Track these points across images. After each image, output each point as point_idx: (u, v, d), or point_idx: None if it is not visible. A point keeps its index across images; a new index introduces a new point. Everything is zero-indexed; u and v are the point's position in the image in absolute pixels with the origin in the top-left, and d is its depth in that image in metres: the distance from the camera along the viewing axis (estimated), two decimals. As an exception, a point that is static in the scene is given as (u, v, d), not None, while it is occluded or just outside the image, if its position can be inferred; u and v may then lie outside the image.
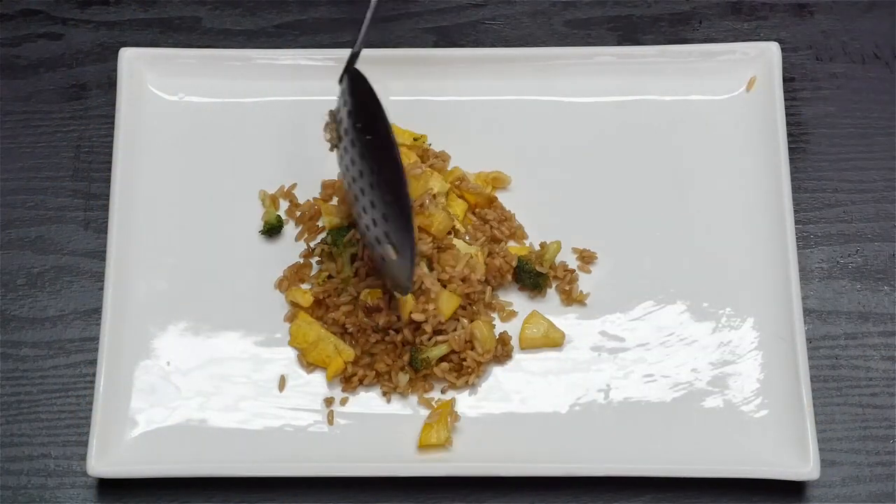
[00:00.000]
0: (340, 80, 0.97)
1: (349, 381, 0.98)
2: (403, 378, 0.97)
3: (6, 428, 0.98)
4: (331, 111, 0.98)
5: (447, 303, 0.97)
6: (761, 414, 0.97)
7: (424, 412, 0.97)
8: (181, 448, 0.96)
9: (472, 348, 0.97)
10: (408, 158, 1.02)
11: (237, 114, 1.05)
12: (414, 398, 0.97)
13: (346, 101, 0.96)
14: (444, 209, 0.99)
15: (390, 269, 0.95)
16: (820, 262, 1.03)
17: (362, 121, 0.94)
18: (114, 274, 0.99)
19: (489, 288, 0.99)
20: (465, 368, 0.97)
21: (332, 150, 0.99)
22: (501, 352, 0.98)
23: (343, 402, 0.97)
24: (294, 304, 0.99)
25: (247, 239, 1.02)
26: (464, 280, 0.98)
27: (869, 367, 1.00)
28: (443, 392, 0.98)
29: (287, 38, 1.09)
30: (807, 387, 0.96)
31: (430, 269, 0.98)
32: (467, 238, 1.01)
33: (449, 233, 1.00)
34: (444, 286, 0.98)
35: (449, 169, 1.03)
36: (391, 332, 0.97)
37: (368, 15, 0.97)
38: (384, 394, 0.97)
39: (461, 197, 1.02)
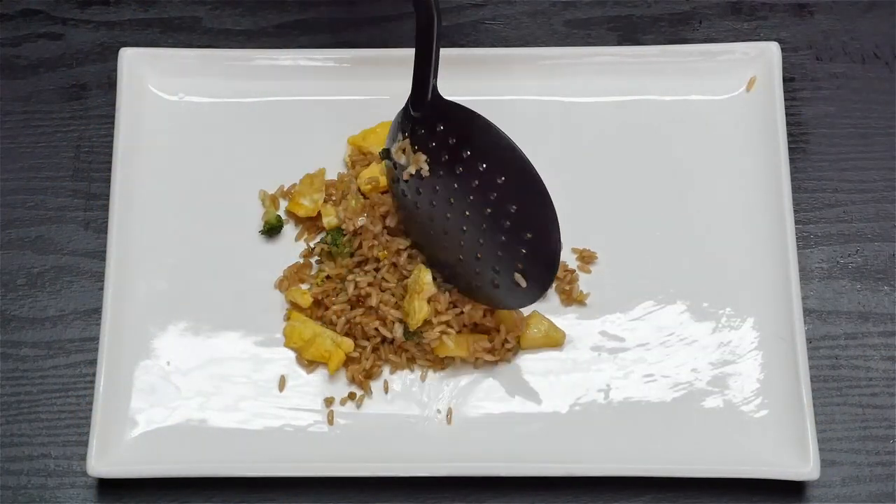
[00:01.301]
0: (407, 112, 0.96)
1: (354, 373, 0.97)
2: (398, 329, 0.97)
3: (6, 428, 0.98)
4: (385, 150, 0.98)
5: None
6: (761, 414, 0.97)
7: (424, 412, 0.97)
8: (181, 448, 0.96)
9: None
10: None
11: (237, 114, 1.05)
12: (415, 397, 0.97)
13: (421, 131, 0.96)
14: None
15: (503, 297, 0.96)
16: (820, 262, 1.03)
17: (460, 143, 0.94)
18: (114, 274, 0.99)
19: None
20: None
21: (392, 193, 0.99)
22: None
23: (343, 401, 0.98)
24: (294, 304, 0.99)
25: (247, 239, 1.02)
26: None
27: (869, 367, 1.00)
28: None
29: (287, 38, 1.09)
30: (807, 387, 0.96)
31: None
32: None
33: None
34: None
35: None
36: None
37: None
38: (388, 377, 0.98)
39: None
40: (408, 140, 0.96)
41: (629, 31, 1.10)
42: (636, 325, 1.00)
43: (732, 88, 1.05)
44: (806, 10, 1.10)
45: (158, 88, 1.05)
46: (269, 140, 1.05)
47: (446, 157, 0.94)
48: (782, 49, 1.05)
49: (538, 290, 0.94)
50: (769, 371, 0.98)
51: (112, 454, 0.95)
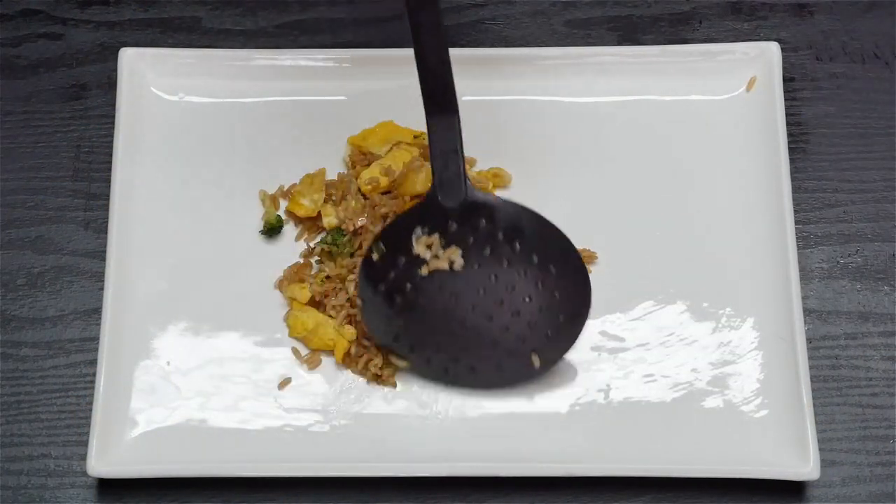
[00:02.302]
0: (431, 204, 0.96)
1: (356, 361, 0.97)
2: None
3: (6, 428, 0.98)
4: (382, 251, 0.97)
5: None
6: (761, 414, 0.97)
7: (424, 412, 0.97)
8: (181, 448, 0.96)
9: None
10: (409, 154, 1.02)
11: (237, 114, 1.05)
12: (415, 397, 0.97)
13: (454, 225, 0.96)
14: None
15: (503, 376, 0.97)
16: (820, 262, 1.03)
17: (512, 237, 0.96)
18: (114, 274, 0.99)
19: None
20: None
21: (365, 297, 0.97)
22: None
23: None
24: (292, 301, 0.99)
25: (247, 239, 1.02)
26: None
27: (869, 367, 1.00)
28: None
29: (287, 38, 1.09)
30: (807, 387, 0.96)
31: None
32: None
33: None
34: None
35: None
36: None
37: None
38: (387, 377, 0.98)
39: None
40: (436, 235, 0.96)
41: (629, 31, 1.10)
42: (636, 325, 1.00)
43: (732, 88, 1.05)
44: (806, 10, 1.10)
45: (158, 88, 1.05)
46: (269, 140, 1.05)
47: (489, 250, 0.96)
48: (782, 49, 1.05)
49: (545, 369, 0.97)
50: (769, 371, 0.98)
51: (112, 454, 0.95)
